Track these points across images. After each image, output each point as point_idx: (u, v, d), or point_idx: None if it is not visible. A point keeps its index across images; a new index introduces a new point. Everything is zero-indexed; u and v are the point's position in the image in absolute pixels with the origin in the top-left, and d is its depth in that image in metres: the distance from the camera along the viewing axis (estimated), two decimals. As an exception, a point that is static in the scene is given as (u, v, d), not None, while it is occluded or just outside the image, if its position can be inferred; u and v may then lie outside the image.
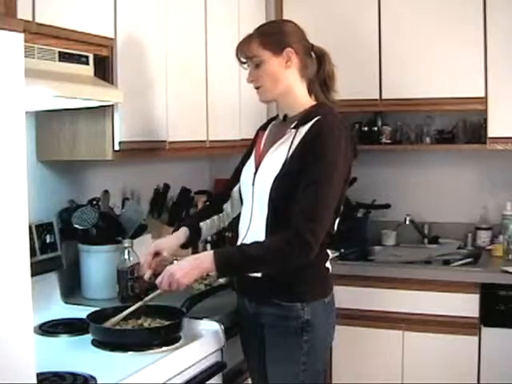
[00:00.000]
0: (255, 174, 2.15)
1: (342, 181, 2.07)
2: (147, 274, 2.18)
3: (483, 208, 3.52)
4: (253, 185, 2.14)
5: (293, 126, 2.08)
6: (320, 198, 1.98)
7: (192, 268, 1.99)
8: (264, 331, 2.14)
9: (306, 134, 2.04)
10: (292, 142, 2.05)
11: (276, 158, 2.08)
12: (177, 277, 1.98)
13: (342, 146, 2.02)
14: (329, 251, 2.16)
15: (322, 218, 1.99)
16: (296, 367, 2.07)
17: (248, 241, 2.12)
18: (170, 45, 2.65)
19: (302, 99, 2.15)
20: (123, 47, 2.35)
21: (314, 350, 2.08)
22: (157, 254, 2.21)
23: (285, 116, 2.19)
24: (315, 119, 2.05)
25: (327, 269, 2.16)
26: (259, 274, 2.07)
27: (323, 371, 2.19)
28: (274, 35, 2.13)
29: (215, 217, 2.37)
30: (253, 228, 2.13)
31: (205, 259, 2.00)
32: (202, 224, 2.32)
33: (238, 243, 2.18)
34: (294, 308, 2.06)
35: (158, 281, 2.04)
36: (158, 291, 2.07)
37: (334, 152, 2.00)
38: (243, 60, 2.17)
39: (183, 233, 2.29)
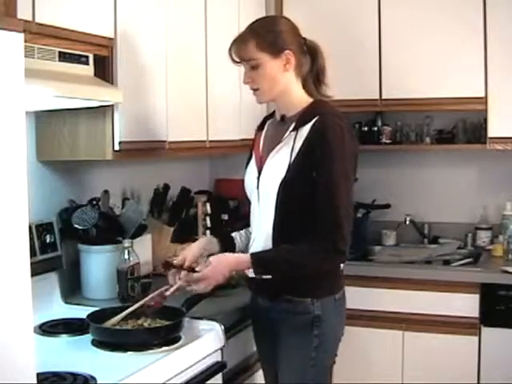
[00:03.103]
0: (258, 177, 2.14)
1: (353, 176, 2.09)
2: (170, 291, 2.12)
3: (483, 208, 3.52)
4: (257, 188, 2.14)
5: (292, 128, 2.07)
6: (341, 199, 1.99)
7: (229, 272, 2.06)
8: (276, 326, 2.15)
9: (308, 134, 2.03)
10: (294, 144, 2.04)
11: (279, 161, 2.07)
12: (212, 280, 2.03)
13: (347, 142, 2.03)
14: None
15: (348, 220, 2.02)
16: (306, 362, 2.09)
17: (258, 243, 2.13)
18: (170, 45, 2.65)
19: (299, 98, 2.14)
20: (123, 47, 2.35)
21: (324, 345, 2.10)
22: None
23: (282, 116, 2.18)
24: (315, 119, 2.04)
25: (339, 266, 2.18)
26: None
27: (331, 366, 2.20)
28: (270, 36, 2.08)
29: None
30: (262, 229, 2.13)
31: (244, 265, 2.05)
32: (234, 234, 2.31)
33: (250, 245, 2.20)
34: (304, 303, 2.08)
35: (193, 285, 2.04)
36: (177, 286, 2.08)
37: (341, 149, 2.01)
38: (237, 60, 2.14)
39: (207, 242, 2.27)
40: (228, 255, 2.12)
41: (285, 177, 2.03)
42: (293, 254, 2.03)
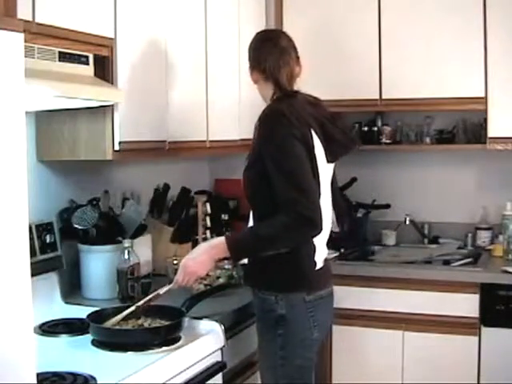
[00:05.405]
0: None
1: (302, 157, 2.06)
2: (163, 290, 2.19)
3: (483, 208, 3.52)
4: None
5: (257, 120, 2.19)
6: (287, 176, 2.02)
7: (207, 259, 2.09)
8: (256, 321, 2.23)
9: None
10: (254, 135, 2.15)
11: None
12: (191, 269, 2.08)
13: (284, 125, 2.05)
14: (315, 243, 2.14)
15: (302, 190, 2.01)
16: (275, 360, 2.12)
17: None
18: (170, 45, 2.65)
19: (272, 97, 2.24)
20: (123, 47, 2.35)
21: (290, 346, 2.11)
22: None
23: None
24: None
25: (314, 263, 2.16)
26: (245, 261, 2.16)
27: (308, 368, 2.17)
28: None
29: None
30: (250, 220, 2.23)
31: (218, 248, 2.07)
32: None
33: None
34: (268, 301, 2.11)
35: (176, 277, 2.13)
36: (170, 286, 2.14)
37: (275, 133, 2.05)
38: None
39: None
40: (203, 243, 2.18)
41: (245, 166, 2.16)
42: (265, 229, 2.04)
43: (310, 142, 2.09)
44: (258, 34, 2.36)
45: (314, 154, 2.11)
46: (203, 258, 2.09)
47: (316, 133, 2.13)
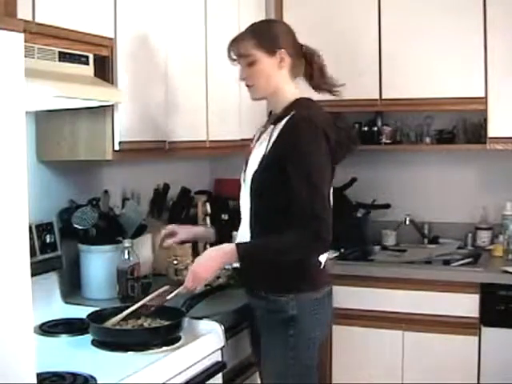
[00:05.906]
0: (244, 171, 2.20)
1: (327, 169, 2.07)
2: (171, 295, 2.17)
3: (483, 208, 3.52)
4: (244, 181, 2.20)
5: (272, 121, 2.14)
6: (313, 190, 2.00)
7: (216, 265, 2.07)
8: (257, 323, 2.19)
9: (281, 128, 2.08)
10: (270, 137, 2.10)
11: (257, 154, 2.14)
12: (201, 275, 2.07)
13: (319, 137, 2.03)
14: None
15: (325, 210, 2.01)
16: (286, 361, 2.10)
17: (241, 234, 2.18)
18: (170, 44, 2.65)
19: (289, 97, 2.17)
20: (123, 47, 2.35)
21: (301, 345, 2.10)
22: (171, 234, 2.35)
23: (270, 113, 2.26)
24: (291, 113, 2.09)
25: (319, 262, 2.16)
26: None
27: (315, 367, 2.18)
28: (268, 36, 2.16)
29: None
30: (244, 220, 2.19)
31: (228, 254, 2.05)
32: (235, 233, 2.31)
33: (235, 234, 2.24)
34: (279, 302, 2.09)
35: (185, 283, 2.10)
36: (179, 289, 2.12)
37: (310, 144, 2.02)
38: (234, 57, 2.22)
39: (206, 230, 2.48)
40: (214, 248, 2.13)
41: (258, 167, 2.10)
42: (278, 244, 2.03)
43: (331, 152, 2.08)
44: (277, 20, 2.29)
45: (334, 165, 2.12)
46: (213, 263, 2.06)
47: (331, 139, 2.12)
